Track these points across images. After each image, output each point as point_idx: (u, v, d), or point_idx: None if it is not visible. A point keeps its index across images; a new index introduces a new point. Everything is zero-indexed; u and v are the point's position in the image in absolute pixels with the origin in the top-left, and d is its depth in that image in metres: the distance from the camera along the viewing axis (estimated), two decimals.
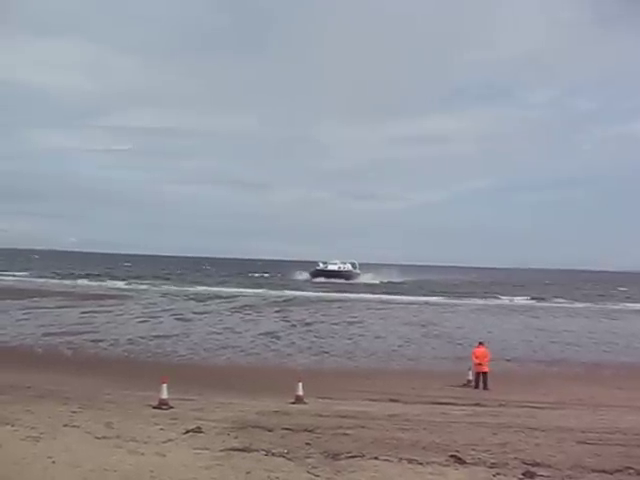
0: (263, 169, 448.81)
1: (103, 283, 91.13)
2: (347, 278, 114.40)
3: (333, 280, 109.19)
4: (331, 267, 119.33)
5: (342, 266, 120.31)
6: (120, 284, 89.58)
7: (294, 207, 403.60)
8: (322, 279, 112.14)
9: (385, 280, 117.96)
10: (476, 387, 24.90)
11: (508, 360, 31.81)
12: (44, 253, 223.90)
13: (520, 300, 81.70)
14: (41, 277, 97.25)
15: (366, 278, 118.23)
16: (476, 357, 25.45)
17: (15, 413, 13.19)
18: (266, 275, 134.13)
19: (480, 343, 26.54)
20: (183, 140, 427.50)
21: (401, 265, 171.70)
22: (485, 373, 25.13)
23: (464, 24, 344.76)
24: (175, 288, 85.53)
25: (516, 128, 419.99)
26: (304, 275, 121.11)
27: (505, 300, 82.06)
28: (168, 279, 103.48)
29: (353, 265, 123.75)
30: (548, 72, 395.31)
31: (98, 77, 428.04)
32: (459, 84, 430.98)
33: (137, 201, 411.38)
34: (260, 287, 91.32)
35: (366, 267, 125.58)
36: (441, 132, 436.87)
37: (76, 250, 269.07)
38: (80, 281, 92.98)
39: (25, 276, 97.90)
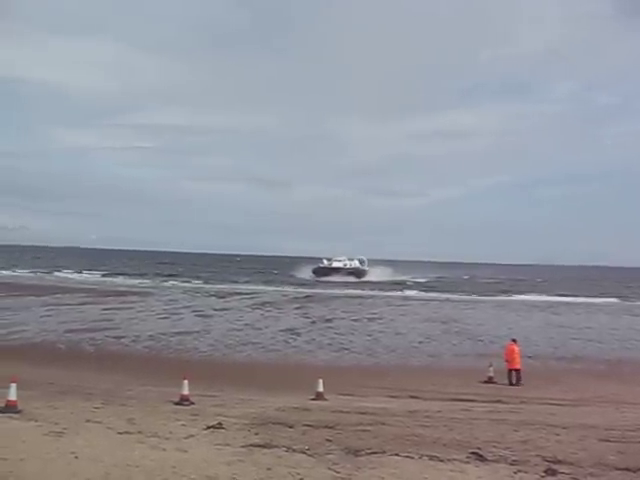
0: (282, 167, 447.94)
1: (124, 280, 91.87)
2: (354, 276, 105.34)
3: (338, 279, 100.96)
4: (336, 264, 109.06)
5: (349, 263, 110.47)
6: (141, 281, 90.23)
7: (313, 204, 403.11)
8: (326, 277, 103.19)
9: (399, 278, 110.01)
10: (510, 384, 24.87)
11: (529, 357, 31.50)
12: (65, 250, 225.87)
13: (541, 296, 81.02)
14: (62, 274, 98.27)
15: (376, 276, 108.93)
16: (506, 353, 25.54)
17: (38, 409, 13.34)
18: (275, 272, 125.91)
19: (513, 340, 26.63)
20: (202, 137, 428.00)
21: (420, 261, 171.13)
22: (511, 370, 25.28)
23: (483, 19, 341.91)
24: (195, 285, 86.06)
25: (535, 123, 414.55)
26: (307, 273, 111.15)
27: (525, 296, 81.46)
28: (188, 276, 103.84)
29: (361, 261, 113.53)
30: (568, 67, 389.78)
31: (118, 75, 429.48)
32: (478, 79, 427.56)
33: (156, 198, 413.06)
34: (279, 284, 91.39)
35: (382, 264, 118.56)
36: (460, 128, 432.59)
37: (96, 247, 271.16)
38: (101, 278, 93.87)
39: (47, 273, 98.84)
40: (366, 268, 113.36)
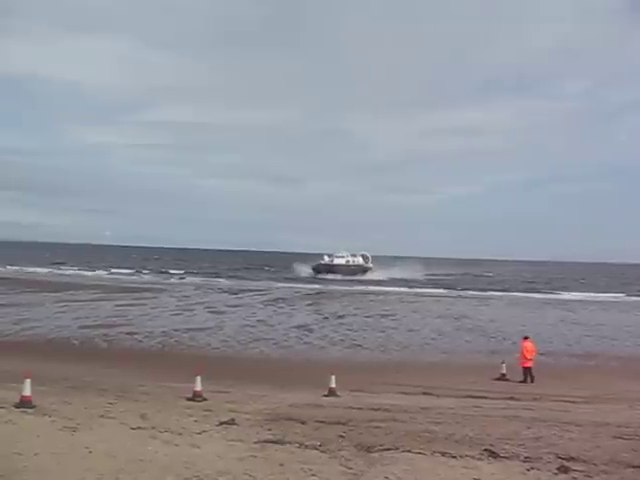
0: (296, 163, 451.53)
1: (137, 276, 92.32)
2: (356, 273, 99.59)
3: (340, 277, 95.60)
4: (338, 261, 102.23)
5: (351, 259, 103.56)
6: (153, 277, 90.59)
7: (326, 201, 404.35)
8: (327, 275, 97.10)
9: (407, 275, 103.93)
10: (524, 381, 24.73)
11: (542, 354, 31.36)
12: (79, 247, 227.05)
13: (553, 294, 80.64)
14: (75, 271, 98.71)
15: (382, 272, 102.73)
16: (528, 351, 25.30)
17: (53, 404, 13.41)
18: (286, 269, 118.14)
19: (526, 337, 26.46)
20: (216, 135, 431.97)
21: (434, 258, 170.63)
22: (527, 368, 25.11)
23: (496, 15, 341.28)
24: (208, 281, 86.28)
25: (549, 119, 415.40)
26: (307, 270, 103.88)
27: (539, 294, 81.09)
28: (201, 272, 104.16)
29: (364, 258, 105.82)
30: (580, 62, 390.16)
31: (132, 73, 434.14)
32: (491, 76, 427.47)
33: (170, 195, 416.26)
34: (291, 281, 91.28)
35: (396, 261, 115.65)
36: (473, 124, 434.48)
37: (110, 244, 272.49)
38: (114, 275, 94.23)
39: (60, 269, 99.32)
40: (370, 265, 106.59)
